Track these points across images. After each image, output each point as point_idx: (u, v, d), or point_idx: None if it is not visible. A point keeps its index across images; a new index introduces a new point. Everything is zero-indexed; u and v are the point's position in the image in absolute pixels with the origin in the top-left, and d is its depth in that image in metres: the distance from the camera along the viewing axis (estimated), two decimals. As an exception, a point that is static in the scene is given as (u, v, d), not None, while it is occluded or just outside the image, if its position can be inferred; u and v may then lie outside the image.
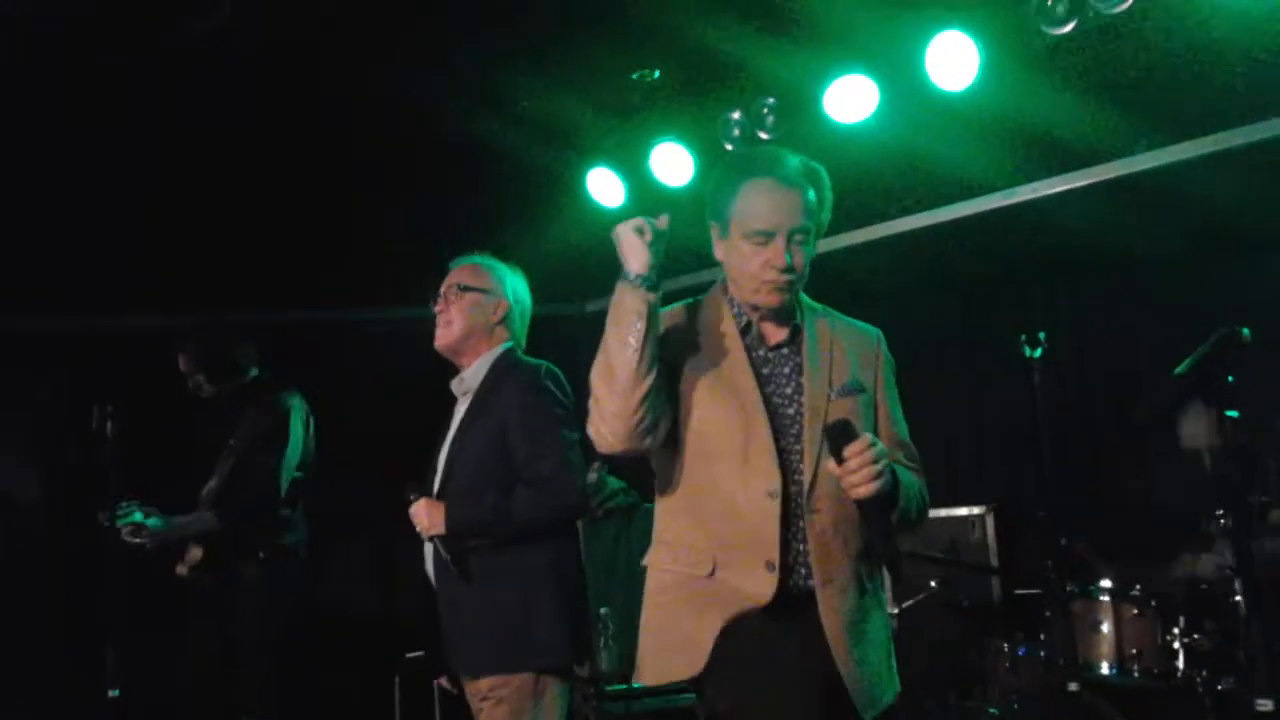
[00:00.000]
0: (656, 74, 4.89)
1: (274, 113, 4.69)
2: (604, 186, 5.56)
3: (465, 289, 3.27)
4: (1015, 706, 3.90)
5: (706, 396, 2.47)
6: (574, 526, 3.24)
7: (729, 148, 5.05)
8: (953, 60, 4.42)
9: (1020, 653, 4.21)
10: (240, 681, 4.04)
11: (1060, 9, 4.06)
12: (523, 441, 3.08)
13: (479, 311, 3.27)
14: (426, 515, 3.07)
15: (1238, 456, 3.30)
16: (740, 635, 2.36)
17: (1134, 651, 3.93)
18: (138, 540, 4.00)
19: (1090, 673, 3.91)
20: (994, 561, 5.10)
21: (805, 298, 2.62)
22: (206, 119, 4.66)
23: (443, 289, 3.33)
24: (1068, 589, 3.91)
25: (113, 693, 3.74)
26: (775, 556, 2.36)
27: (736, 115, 5.03)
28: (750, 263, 2.47)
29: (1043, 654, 4.08)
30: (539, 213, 5.54)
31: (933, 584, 4.69)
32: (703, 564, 2.43)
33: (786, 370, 2.51)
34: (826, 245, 5.41)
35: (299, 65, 4.39)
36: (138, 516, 3.98)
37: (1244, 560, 3.20)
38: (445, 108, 4.79)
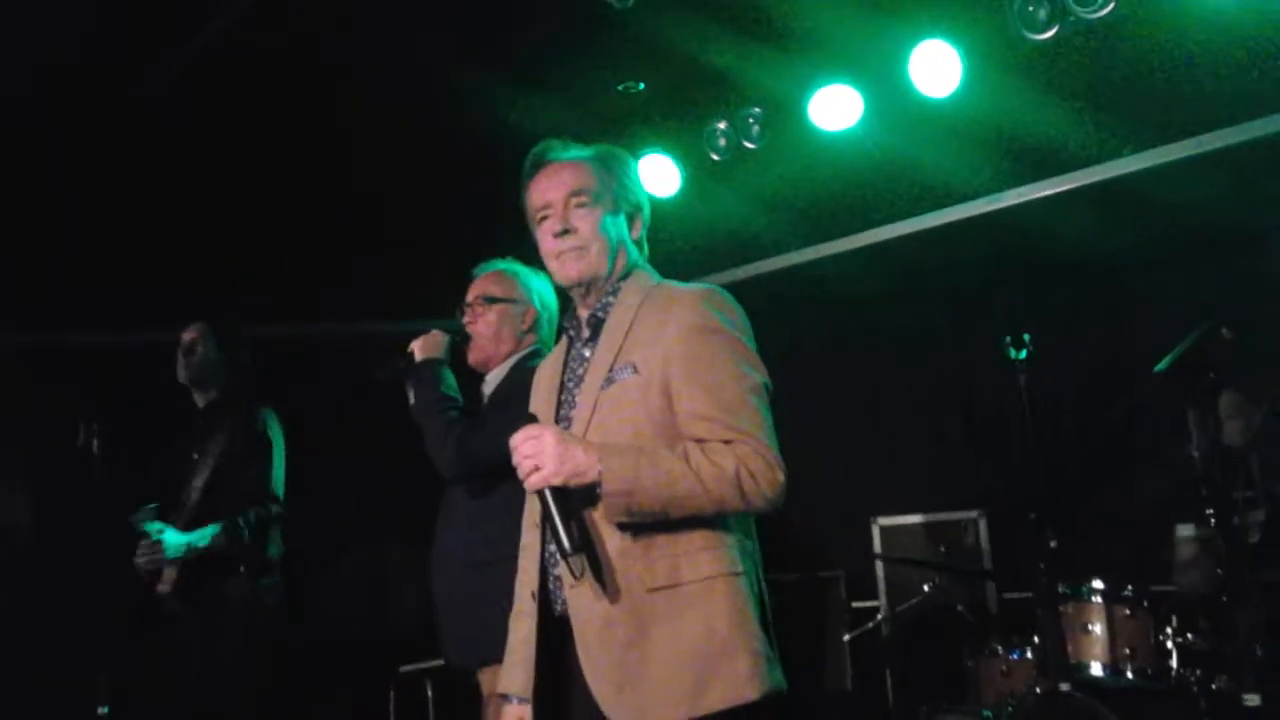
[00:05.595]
0: (641, 86, 4.91)
1: (275, 124, 4.67)
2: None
3: (492, 300, 3.20)
4: (1009, 709, 3.90)
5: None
6: None
7: (715, 158, 5.07)
8: (936, 68, 4.45)
9: (1013, 656, 4.21)
10: (228, 699, 3.96)
11: (1041, 15, 4.09)
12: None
13: (508, 322, 3.20)
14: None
15: (1219, 453, 3.32)
16: None
17: (1127, 652, 3.93)
18: (142, 560, 3.84)
19: (1083, 674, 3.91)
20: (987, 565, 5.10)
21: (650, 275, 2.35)
22: (208, 130, 4.65)
23: (469, 300, 3.24)
24: (1059, 591, 3.91)
25: (102, 710, 3.70)
26: (534, 587, 2.24)
27: (722, 125, 5.05)
28: (544, 244, 2.34)
29: (1035, 656, 4.08)
30: (524, 225, 5.53)
31: (926, 588, 4.69)
32: None
33: (580, 371, 2.30)
34: (813, 253, 5.56)
35: (297, 74, 4.38)
36: (157, 526, 3.82)
37: (1230, 556, 3.21)
38: (431, 118, 4.80)
